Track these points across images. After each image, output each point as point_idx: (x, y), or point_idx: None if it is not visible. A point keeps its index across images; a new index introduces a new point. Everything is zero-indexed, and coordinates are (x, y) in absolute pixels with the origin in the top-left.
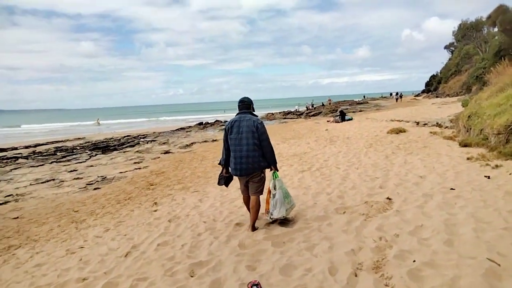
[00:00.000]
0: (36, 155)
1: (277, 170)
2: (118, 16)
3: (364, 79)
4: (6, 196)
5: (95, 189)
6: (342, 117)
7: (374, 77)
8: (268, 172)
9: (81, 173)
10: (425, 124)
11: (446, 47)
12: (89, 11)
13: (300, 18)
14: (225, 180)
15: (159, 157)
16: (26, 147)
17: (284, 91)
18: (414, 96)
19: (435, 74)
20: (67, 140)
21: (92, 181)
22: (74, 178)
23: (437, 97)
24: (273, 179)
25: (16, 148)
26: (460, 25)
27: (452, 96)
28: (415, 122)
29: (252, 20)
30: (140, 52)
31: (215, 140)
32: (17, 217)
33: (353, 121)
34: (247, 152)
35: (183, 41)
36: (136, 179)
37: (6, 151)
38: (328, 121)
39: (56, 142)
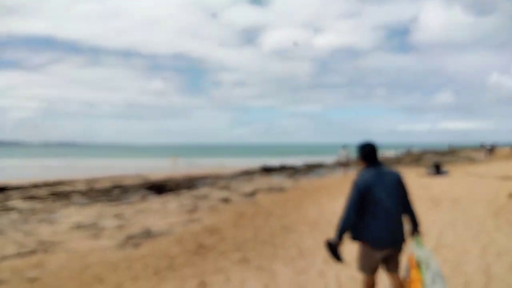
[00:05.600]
0: (93, 192)
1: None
2: (191, 57)
3: (447, 126)
4: (37, 243)
5: (135, 245)
6: (437, 169)
7: (459, 125)
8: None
9: (127, 220)
10: None
11: None
12: (165, 52)
13: (376, 60)
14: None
15: (216, 207)
16: (87, 182)
17: (356, 135)
18: None
19: None
20: (128, 177)
21: (134, 233)
22: (117, 226)
23: None
24: (418, 246)
25: (76, 182)
26: None
27: None
28: None
29: (324, 61)
30: (209, 92)
31: (283, 190)
32: (34, 280)
33: (452, 177)
34: (398, 216)
35: (253, 81)
36: (185, 236)
37: (67, 185)
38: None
39: (118, 178)
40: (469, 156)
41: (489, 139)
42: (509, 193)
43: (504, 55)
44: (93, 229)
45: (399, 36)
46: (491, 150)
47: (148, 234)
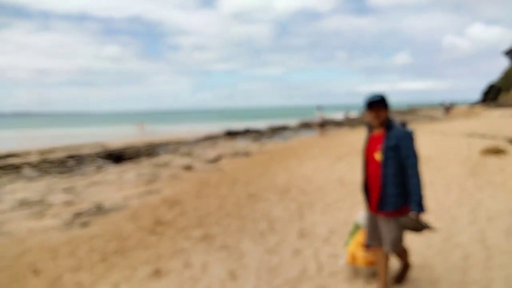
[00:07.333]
0: (45, 163)
1: None
2: (147, 20)
3: (405, 86)
4: None
5: (82, 224)
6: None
7: (416, 85)
8: None
9: (77, 194)
10: None
11: (508, 53)
12: (120, 15)
13: (336, 22)
14: None
15: (178, 175)
16: (41, 153)
17: (317, 98)
18: (469, 107)
19: (492, 83)
20: (85, 146)
21: (83, 210)
22: (65, 202)
23: (497, 107)
24: None
25: (29, 154)
26: None
27: None
28: (508, 140)
29: (284, 24)
30: (167, 56)
31: (248, 154)
32: None
33: (417, 135)
34: None
35: (212, 45)
36: (141, 211)
37: (19, 157)
38: None
39: (75, 147)
40: (429, 115)
41: (446, 98)
42: (479, 150)
43: (458, 17)
44: (39, 206)
45: None
46: (448, 108)
47: (99, 210)
